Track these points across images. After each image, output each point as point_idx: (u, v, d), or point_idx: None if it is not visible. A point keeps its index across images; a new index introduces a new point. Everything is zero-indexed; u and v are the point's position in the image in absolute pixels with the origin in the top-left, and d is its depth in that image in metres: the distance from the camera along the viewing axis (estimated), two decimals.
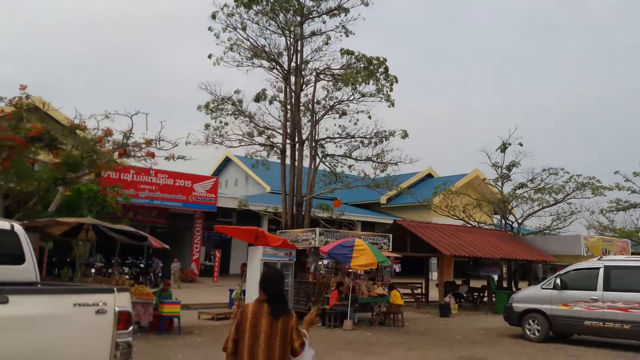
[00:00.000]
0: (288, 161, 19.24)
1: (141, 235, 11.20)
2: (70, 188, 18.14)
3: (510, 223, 25.76)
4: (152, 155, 16.42)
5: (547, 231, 26.65)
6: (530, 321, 12.44)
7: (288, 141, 19.04)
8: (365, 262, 12.90)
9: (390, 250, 16.44)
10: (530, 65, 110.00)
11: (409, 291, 20.55)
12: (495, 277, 22.50)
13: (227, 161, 49.70)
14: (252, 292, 13.18)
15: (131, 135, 15.07)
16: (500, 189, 26.26)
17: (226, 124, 20.00)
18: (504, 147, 26.04)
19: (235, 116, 20.03)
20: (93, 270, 23.08)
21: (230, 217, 33.06)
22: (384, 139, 20.09)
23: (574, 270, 12.27)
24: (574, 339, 12.36)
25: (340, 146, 20.59)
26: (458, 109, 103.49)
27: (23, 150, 11.10)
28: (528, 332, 12.42)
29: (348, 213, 37.22)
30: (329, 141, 19.90)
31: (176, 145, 15.33)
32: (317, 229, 14.89)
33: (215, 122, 19.95)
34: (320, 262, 15.09)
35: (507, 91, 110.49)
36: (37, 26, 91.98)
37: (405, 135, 19.80)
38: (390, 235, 16.71)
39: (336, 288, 13.90)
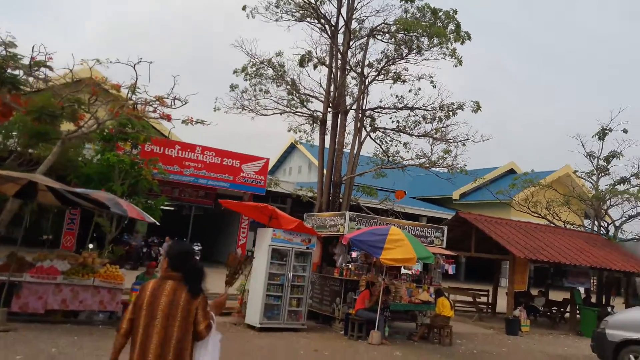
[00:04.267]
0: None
1: (102, 203, 8.81)
2: (102, 158, 16.62)
3: (605, 226, 21.16)
4: (169, 117, 14.30)
5: None
6: (632, 357, 8.69)
7: (330, 110, 16.11)
8: (401, 256, 9.74)
9: (445, 246, 13.07)
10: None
11: (470, 299, 16.93)
12: (582, 290, 18.26)
13: (292, 148, 47.93)
14: (257, 282, 10.53)
15: (137, 89, 12.95)
16: (594, 183, 21.69)
17: (267, 91, 17.47)
18: (603, 134, 21.44)
19: (278, 83, 17.41)
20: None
21: (284, 203, 30.79)
22: (451, 113, 16.57)
23: None
24: None
25: (397, 121, 17.30)
26: (552, 107, 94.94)
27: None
28: None
29: (411, 206, 33.77)
30: (381, 112, 16.69)
31: (186, 103, 13.00)
32: (348, 213, 11.88)
33: (255, 89, 17.48)
34: (349, 254, 12.10)
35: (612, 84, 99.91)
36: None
37: (477, 107, 16.16)
38: (445, 229, 13.31)
39: (366, 288, 10.86)
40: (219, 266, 25.14)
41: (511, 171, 40.68)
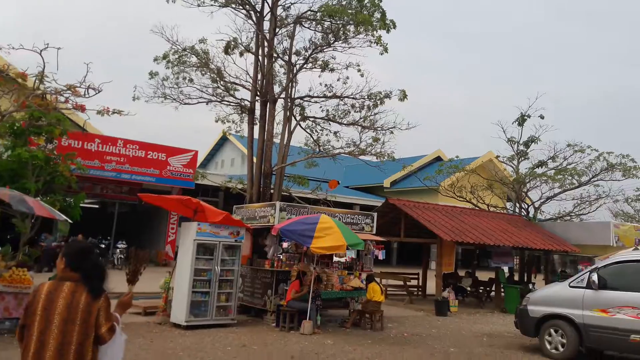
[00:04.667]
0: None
1: (1, 201, 8.01)
2: (12, 154, 15.28)
3: (525, 207, 22.30)
4: (82, 107, 13.32)
5: (568, 217, 23.13)
6: (552, 331, 9.08)
7: (258, 98, 15.72)
8: (331, 244, 9.64)
9: (375, 232, 13.14)
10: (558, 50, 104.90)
11: (402, 283, 17.26)
12: (506, 269, 19.16)
13: (224, 140, 46.85)
14: (182, 278, 10.07)
15: (45, 78, 11.94)
16: (515, 167, 22.77)
17: (191, 80, 16.77)
18: (522, 120, 22.50)
19: (202, 71, 16.74)
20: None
21: (216, 196, 29.99)
22: (378, 102, 16.68)
23: (619, 262, 8.83)
24: (614, 358, 9.03)
25: (327, 110, 17.21)
26: (477, 96, 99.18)
27: None
28: (548, 346, 9.07)
29: (344, 195, 34.06)
30: (310, 101, 16.50)
31: (100, 92, 12.16)
32: (278, 203, 11.61)
33: (177, 77, 16.73)
34: (280, 245, 11.86)
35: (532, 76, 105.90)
36: None
37: (404, 96, 16.33)
38: (375, 215, 13.37)
39: (297, 278, 10.68)
40: (147, 265, 24.09)
41: (438, 158, 42.10)
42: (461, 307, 15.75)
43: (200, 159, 48.05)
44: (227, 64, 16.37)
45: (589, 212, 22.85)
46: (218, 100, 16.27)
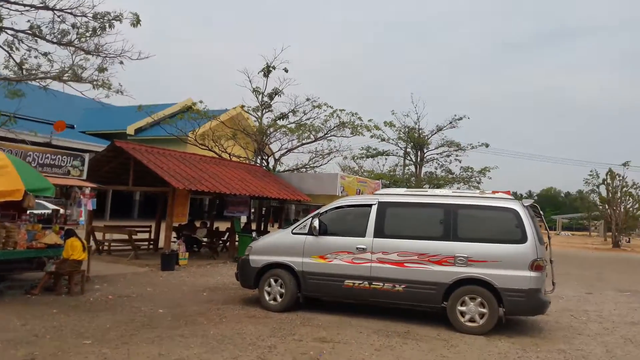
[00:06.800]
0: None
1: None
2: None
3: (266, 158, 22.43)
4: None
5: (304, 169, 24.24)
6: (272, 281, 8.51)
7: None
8: (0, 188, 7.10)
9: (85, 177, 10.78)
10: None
11: (127, 237, 15.25)
12: (244, 219, 18.90)
13: None
14: None
15: None
16: (259, 118, 22.56)
17: None
18: (267, 71, 22.20)
19: None
20: None
21: None
22: (107, 25, 13.80)
23: (339, 207, 8.66)
24: (335, 305, 8.97)
25: (37, 26, 13.49)
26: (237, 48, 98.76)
27: None
28: (267, 297, 8.48)
29: (79, 140, 29.45)
30: (10, 8, 12.61)
31: None
32: None
33: None
34: None
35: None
36: None
37: (137, 21, 13.79)
38: (86, 156, 10.98)
39: None
40: None
41: (190, 108, 40.12)
42: (194, 259, 14.70)
43: None
44: None
45: (321, 165, 24.34)
46: None
